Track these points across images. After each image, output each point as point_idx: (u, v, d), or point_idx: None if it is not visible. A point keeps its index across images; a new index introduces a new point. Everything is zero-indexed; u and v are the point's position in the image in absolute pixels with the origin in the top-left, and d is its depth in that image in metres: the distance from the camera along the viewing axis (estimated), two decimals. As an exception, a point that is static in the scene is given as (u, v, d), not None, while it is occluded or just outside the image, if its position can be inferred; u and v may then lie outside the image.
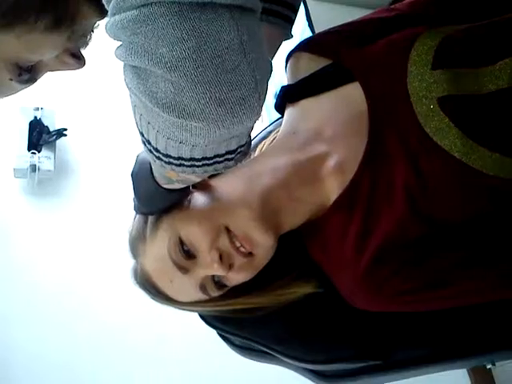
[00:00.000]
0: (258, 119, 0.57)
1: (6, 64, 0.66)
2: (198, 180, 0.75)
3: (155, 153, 0.59)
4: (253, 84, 0.51)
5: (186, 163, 0.58)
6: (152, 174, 0.75)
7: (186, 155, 0.57)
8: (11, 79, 0.68)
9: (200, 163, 0.58)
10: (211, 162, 0.59)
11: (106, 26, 0.52)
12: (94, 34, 0.71)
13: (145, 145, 0.60)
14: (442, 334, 0.86)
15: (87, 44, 0.72)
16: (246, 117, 0.52)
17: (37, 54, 0.66)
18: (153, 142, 0.58)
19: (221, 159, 0.59)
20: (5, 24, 0.61)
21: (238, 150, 0.59)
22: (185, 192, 0.82)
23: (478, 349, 0.87)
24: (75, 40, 0.68)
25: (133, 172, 0.81)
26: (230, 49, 0.49)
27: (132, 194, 0.85)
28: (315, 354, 0.91)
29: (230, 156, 0.59)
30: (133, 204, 0.87)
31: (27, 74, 0.68)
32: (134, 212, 0.89)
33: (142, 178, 0.78)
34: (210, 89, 0.49)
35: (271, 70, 0.56)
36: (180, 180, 0.71)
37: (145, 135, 0.58)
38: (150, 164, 0.75)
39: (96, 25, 0.70)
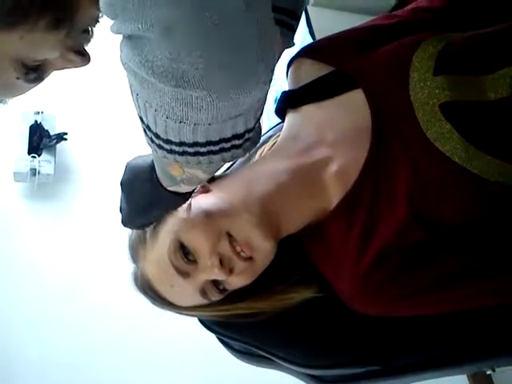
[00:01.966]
0: (266, 91, 0.52)
1: (13, 63, 0.66)
2: (205, 177, 0.67)
3: (156, 140, 0.55)
4: (259, 49, 0.46)
5: (189, 150, 0.54)
6: (154, 176, 0.72)
7: (189, 139, 0.52)
8: (18, 78, 0.68)
9: (205, 149, 0.54)
10: (217, 148, 0.54)
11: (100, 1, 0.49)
12: (95, 30, 0.72)
13: (145, 133, 0.56)
14: (441, 340, 0.86)
15: (89, 40, 0.72)
16: (251, 85, 0.47)
17: (40, 52, 0.67)
18: (152, 127, 0.53)
19: (227, 145, 0.54)
20: (7, 24, 0.62)
21: (246, 136, 0.55)
22: (188, 196, 0.78)
23: (478, 354, 0.87)
24: (75, 37, 0.68)
25: (124, 181, 0.78)
26: (232, 8, 0.44)
27: (120, 204, 0.81)
28: (314, 359, 0.91)
29: (237, 142, 0.54)
30: (122, 218, 0.82)
31: (34, 73, 0.69)
32: (125, 227, 0.84)
33: (139, 183, 0.75)
34: (210, 52, 0.45)
35: (277, 37, 0.51)
36: (185, 179, 0.66)
37: (143, 119, 0.54)
38: (150, 167, 0.72)
39: (100, 15, 0.70)
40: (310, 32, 2.15)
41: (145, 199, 0.76)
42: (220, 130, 0.51)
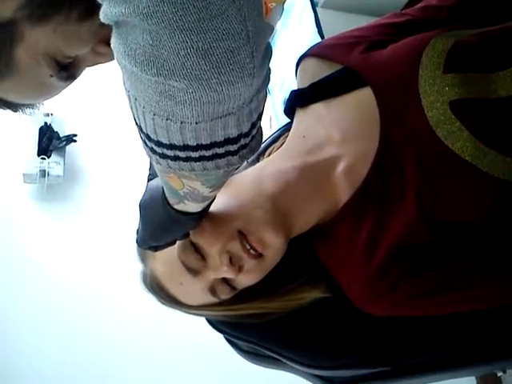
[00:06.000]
0: (256, 89, 0.48)
1: (46, 59, 0.64)
2: (207, 192, 0.64)
3: (148, 143, 0.53)
4: (243, 34, 0.44)
5: (180, 154, 0.51)
6: (164, 194, 0.70)
7: (178, 140, 0.50)
8: (52, 75, 0.66)
9: (197, 154, 0.51)
10: (210, 153, 0.51)
11: None
12: None
13: (140, 136, 0.54)
14: (451, 341, 0.86)
15: None
16: (236, 75, 0.44)
17: (73, 46, 0.65)
18: (143, 126, 0.51)
19: (221, 151, 0.52)
20: (40, 16, 0.60)
21: (242, 142, 0.52)
22: (199, 218, 0.76)
23: (488, 355, 0.86)
24: (108, 26, 0.67)
25: (141, 201, 0.78)
26: None
27: (137, 225, 0.81)
28: (324, 359, 0.90)
29: (231, 148, 0.52)
30: (136, 238, 0.82)
31: (66, 71, 0.67)
32: (139, 246, 0.84)
33: (153, 204, 0.74)
34: (191, 37, 0.42)
35: (269, 32, 0.49)
36: (188, 193, 0.64)
37: (136, 119, 0.52)
38: (163, 187, 0.70)
39: None
40: (319, 33, 2.15)
41: (157, 222, 0.75)
42: (210, 131, 0.49)
